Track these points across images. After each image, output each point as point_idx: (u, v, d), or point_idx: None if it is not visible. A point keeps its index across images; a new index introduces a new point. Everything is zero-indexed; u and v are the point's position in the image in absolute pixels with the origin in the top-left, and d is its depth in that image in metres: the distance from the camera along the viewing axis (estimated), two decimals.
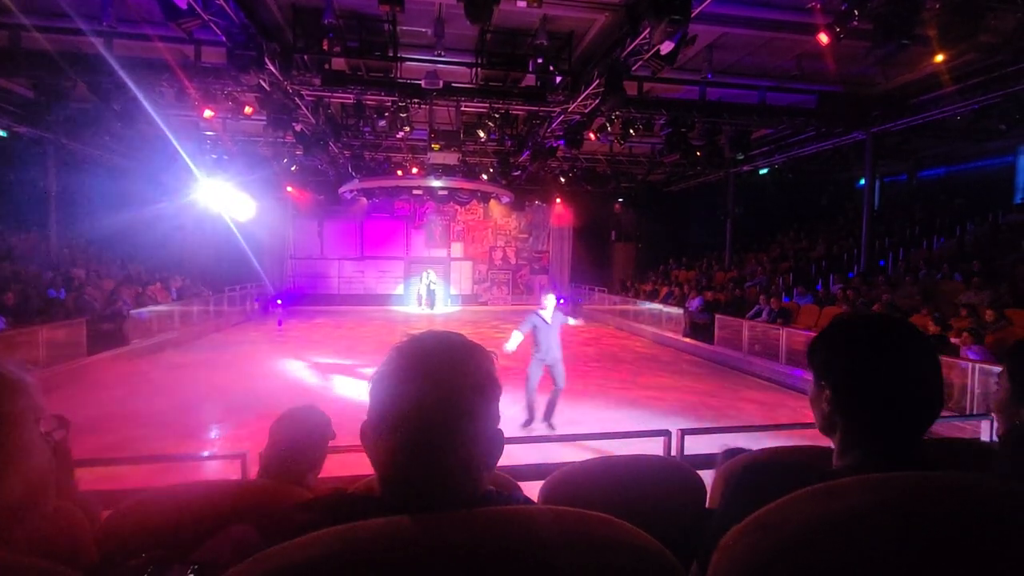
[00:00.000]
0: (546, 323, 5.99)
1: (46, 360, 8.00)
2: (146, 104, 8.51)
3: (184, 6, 6.00)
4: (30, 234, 13.00)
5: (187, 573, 0.89)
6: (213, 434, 6.10)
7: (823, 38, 6.20)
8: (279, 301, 17.14)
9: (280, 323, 15.10)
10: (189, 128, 12.22)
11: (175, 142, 11.48)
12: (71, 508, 1.28)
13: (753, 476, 0.94)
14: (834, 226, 15.84)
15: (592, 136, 10.85)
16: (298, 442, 1.59)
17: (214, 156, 13.80)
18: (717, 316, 11.46)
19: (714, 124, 10.74)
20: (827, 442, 0.95)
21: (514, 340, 5.86)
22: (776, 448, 1.44)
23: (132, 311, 10.58)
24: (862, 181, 13.23)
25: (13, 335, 7.83)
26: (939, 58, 7.45)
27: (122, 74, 7.76)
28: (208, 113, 9.14)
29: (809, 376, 0.94)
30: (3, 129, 10.85)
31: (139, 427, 6.00)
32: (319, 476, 1.68)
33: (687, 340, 12.30)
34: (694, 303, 12.88)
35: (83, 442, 4.23)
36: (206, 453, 5.39)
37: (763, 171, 15.35)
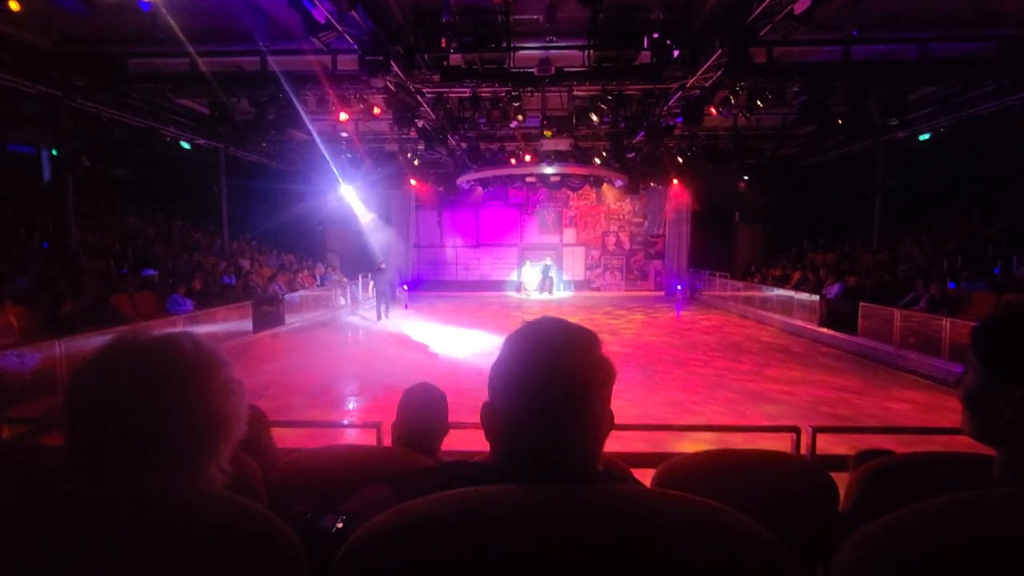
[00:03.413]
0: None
1: (222, 336, 9.48)
2: (300, 109, 9.59)
3: (322, 20, 6.65)
4: (207, 230, 15.38)
5: (337, 521, 1.05)
6: (353, 405, 6.84)
7: None
8: (405, 287, 18.49)
9: (406, 307, 16.27)
10: (327, 131, 13.54)
11: (320, 144, 12.85)
12: (248, 459, 1.55)
13: (891, 479, 0.87)
14: (1020, 197, 13.18)
15: (713, 111, 10.11)
16: (419, 416, 1.75)
17: (348, 155, 15.17)
18: (862, 304, 10.22)
19: (860, 87, 9.45)
20: (986, 450, 0.84)
21: None
22: (923, 452, 1.28)
23: (285, 295, 12.13)
24: None
25: (199, 315, 9.38)
26: None
27: (285, 85, 8.82)
28: (343, 116, 10.04)
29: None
30: (187, 142, 12.91)
31: (295, 395, 6.92)
32: (443, 448, 1.83)
33: (824, 330, 11.14)
34: (833, 289, 11.60)
35: None
36: (347, 421, 6.09)
37: (923, 137, 13.20)
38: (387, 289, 13.83)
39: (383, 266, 14.18)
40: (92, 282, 9.03)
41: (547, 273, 19.86)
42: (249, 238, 16.56)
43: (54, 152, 9.65)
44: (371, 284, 15.29)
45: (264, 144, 14.72)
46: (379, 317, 13.59)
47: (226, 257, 13.61)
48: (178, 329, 0.76)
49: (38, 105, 9.63)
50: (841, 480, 1.39)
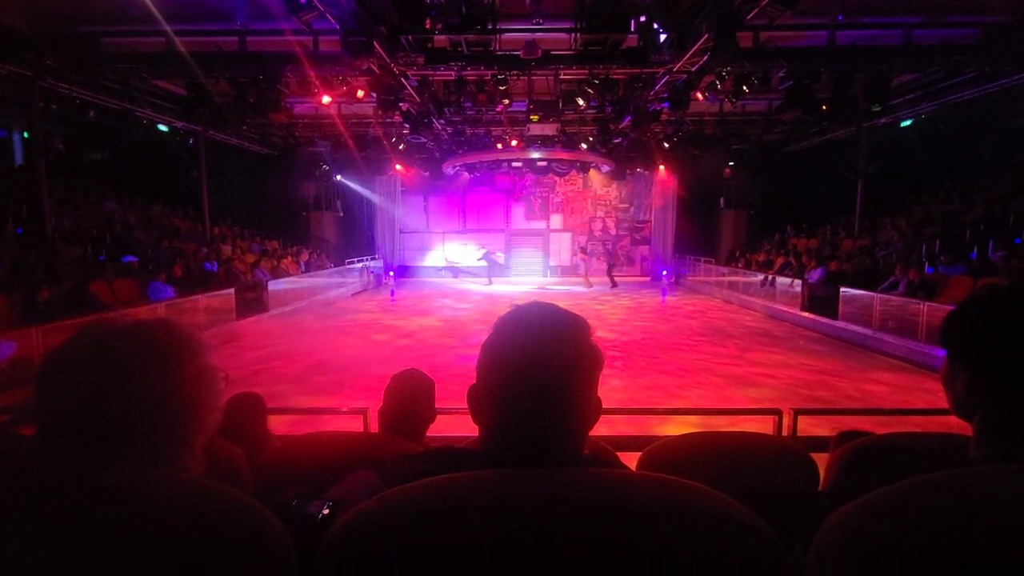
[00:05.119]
0: None
1: (205, 323, 9.35)
2: (281, 91, 9.37)
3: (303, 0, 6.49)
4: (187, 215, 15.06)
5: (323, 508, 1.05)
6: (339, 391, 6.81)
7: None
8: (391, 273, 18.34)
9: (392, 294, 16.11)
10: (310, 114, 13.28)
11: (303, 127, 12.58)
12: (233, 446, 1.54)
13: (870, 459, 0.89)
14: (998, 184, 13.45)
15: (700, 96, 10.11)
16: (405, 402, 1.75)
17: (331, 139, 14.91)
18: (842, 289, 10.40)
19: (845, 73, 9.50)
20: (968, 430, 0.86)
21: None
22: (901, 432, 1.31)
23: (269, 282, 11.99)
24: None
25: (180, 302, 9.23)
26: None
27: (265, 66, 8.59)
28: (326, 99, 9.84)
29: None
30: (164, 124, 12.58)
31: (281, 383, 6.88)
32: (429, 433, 1.84)
33: (805, 315, 11.33)
34: (814, 274, 11.78)
35: None
36: (334, 408, 6.06)
37: (905, 123, 13.35)
38: (494, 262, 19.53)
39: (484, 249, 19.71)
40: (69, 269, 8.82)
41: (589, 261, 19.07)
42: (231, 224, 16.27)
43: (26, 135, 9.31)
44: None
45: (245, 127, 14.40)
46: (489, 282, 18.68)
47: (207, 243, 13.37)
48: (158, 317, 0.74)
49: (9, 86, 9.29)
50: (821, 461, 1.43)
